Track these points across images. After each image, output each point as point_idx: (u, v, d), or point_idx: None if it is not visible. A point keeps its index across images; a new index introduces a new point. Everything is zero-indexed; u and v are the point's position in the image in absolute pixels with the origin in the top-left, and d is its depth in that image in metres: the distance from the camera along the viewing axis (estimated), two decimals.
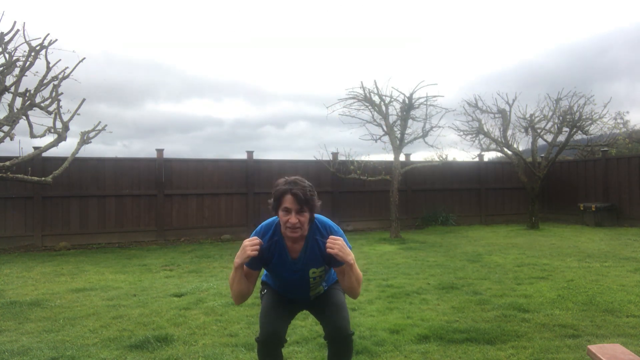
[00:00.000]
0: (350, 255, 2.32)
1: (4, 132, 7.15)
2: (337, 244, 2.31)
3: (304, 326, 4.08)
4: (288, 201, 2.30)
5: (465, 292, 5.31)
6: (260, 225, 2.54)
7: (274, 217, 2.50)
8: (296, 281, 2.54)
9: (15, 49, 7.30)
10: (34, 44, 7.32)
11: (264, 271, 2.75)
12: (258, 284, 2.66)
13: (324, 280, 2.67)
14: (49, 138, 7.85)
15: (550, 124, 13.02)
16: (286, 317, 2.61)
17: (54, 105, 7.76)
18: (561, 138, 12.63)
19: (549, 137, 13.00)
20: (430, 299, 5.01)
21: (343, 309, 2.55)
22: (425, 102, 11.24)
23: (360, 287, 2.47)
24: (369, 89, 11.26)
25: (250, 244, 2.35)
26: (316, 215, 2.45)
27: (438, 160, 12.96)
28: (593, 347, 2.39)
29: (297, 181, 2.35)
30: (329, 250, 2.31)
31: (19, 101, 7.39)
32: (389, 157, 11.88)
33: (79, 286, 5.94)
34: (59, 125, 7.85)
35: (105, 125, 8.71)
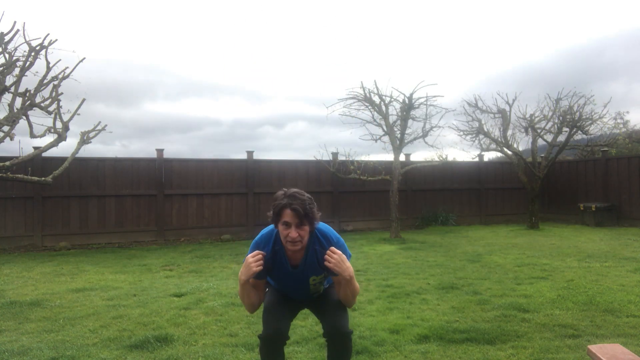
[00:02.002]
0: (347, 271, 2.34)
1: (4, 132, 7.15)
2: (334, 257, 2.33)
3: (304, 326, 4.08)
4: (288, 216, 2.31)
5: (465, 292, 5.31)
6: (259, 235, 2.55)
7: (271, 226, 2.51)
8: (297, 287, 2.59)
9: (15, 49, 7.31)
10: (34, 44, 7.33)
11: None
12: None
13: (325, 284, 2.72)
14: (49, 138, 7.86)
15: (550, 124, 13.03)
16: (289, 315, 2.63)
17: (54, 105, 7.77)
18: (561, 138, 12.63)
19: (549, 137, 13.01)
20: (430, 299, 5.01)
21: (342, 307, 2.56)
22: (425, 102, 11.24)
23: (354, 299, 2.53)
24: (369, 89, 11.27)
25: (254, 260, 2.36)
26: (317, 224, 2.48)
27: (438, 160, 12.95)
28: (593, 347, 2.39)
29: (296, 195, 2.34)
30: (326, 263, 2.35)
31: (19, 101, 7.40)
32: (389, 157, 11.88)
33: (79, 286, 5.94)
34: (59, 125, 7.86)
35: (105, 125, 8.73)
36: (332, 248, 2.38)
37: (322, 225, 2.53)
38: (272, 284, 2.73)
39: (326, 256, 2.35)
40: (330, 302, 2.59)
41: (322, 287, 2.69)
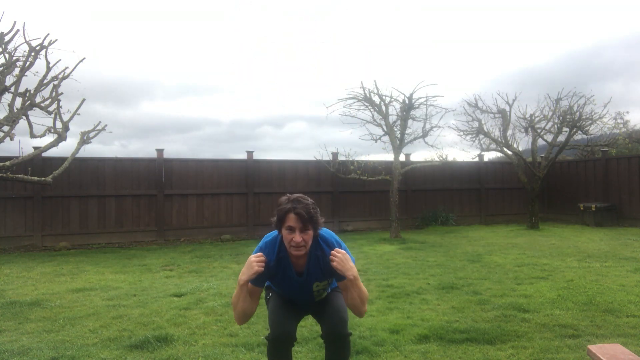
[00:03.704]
0: (350, 271, 2.34)
1: (4, 132, 7.15)
2: (338, 256, 2.34)
3: (304, 326, 4.08)
4: (292, 220, 2.32)
5: (465, 292, 5.31)
6: (263, 241, 2.54)
7: (274, 232, 2.51)
8: (301, 293, 2.58)
9: (15, 49, 7.32)
10: (34, 44, 7.33)
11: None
12: None
13: (328, 289, 2.70)
14: (49, 138, 7.87)
15: (550, 124, 13.03)
16: (295, 315, 2.61)
17: (54, 105, 7.78)
18: (561, 138, 12.63)
19: (549, 137, 13.00)
20: (430, 299, 5.01)
21: (341, 309, 2.54)
22: (425, 102, 11.25)
23: (365, 305, 2.46)
24: (369, 89, 11.28)
25: (257, 260, 2.36)
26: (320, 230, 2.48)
27: (438, 160, 12.95)
28: (593, 347, 2.39)
29: (300, 199, 2.36)
30: (332, 263, 2.34)
31: (19, 101, 7.41)
32: (389, 157, 11.87)
33: (79, 286, 5.94)
34: (59, 125, 7.86)
35: (105, 125, 8.73)
36: (336, 249, 2.40)
37: (323, 230, 2.52)
38: (275, 290, 2.72)
39: (331, 256, 2.36)
40: (330, 304, 2.58)
41: (325, 293, 2.68)
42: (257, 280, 2.43)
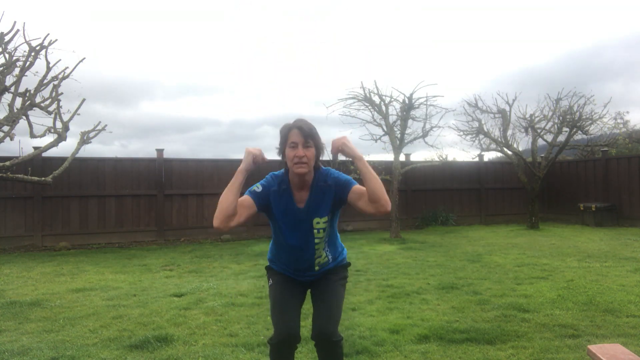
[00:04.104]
0: (356, 149, 2.38)
1: (4, 132, 7.15)
2: (340, 139, 2.38)
3: (304, 326, 4.06)
4: (294, 135, 2.36)
5: (465, 292, 5.31)
6: (267, 175, 2.55)
7: (279, 170, 2.55)
8: (301, 236, 2.48)
9: (15, 49, 7.32)
10: (34, 44, 7.33)
11: (268, 253, 2.70)
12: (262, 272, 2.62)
13: (328, 245, 2.58)
14: (49, 138, 7.86)
15: (550, 124, 13.04)
16: (297, 309, 2.53)
17: (54, 105, 7.77)
18: (561, 138, 12.63)
19: (549, 137, 13.01)
20: (430, 299, 5.01)
21: (334, 310, 2.47)
22: (425, 102, 11.24)
23: (382, 188, 2.32)
24: (369, 89, 11.27)
25: (256, 148, 2.40)
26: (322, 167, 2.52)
27: (438, 160, 12.95)
28: (593, 347, 2.39)
29: (301, 119, 2.42)
30: (334, 148, 2.38)
31: (19, 101, 7.40)
32: (389, 157, 11.87)
33: (79, 286, 5.94)
34: (59, 125, 7.86)
35: (105, 125, 8.73)
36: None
37: (324, 167, 2.56)
38: (275, 260, 2.64)
39: (332, 143, 2.40)
40: (327, 299, 2.50)
41: (326, 257, 2.56)
42: (256, 195, 2.41)
